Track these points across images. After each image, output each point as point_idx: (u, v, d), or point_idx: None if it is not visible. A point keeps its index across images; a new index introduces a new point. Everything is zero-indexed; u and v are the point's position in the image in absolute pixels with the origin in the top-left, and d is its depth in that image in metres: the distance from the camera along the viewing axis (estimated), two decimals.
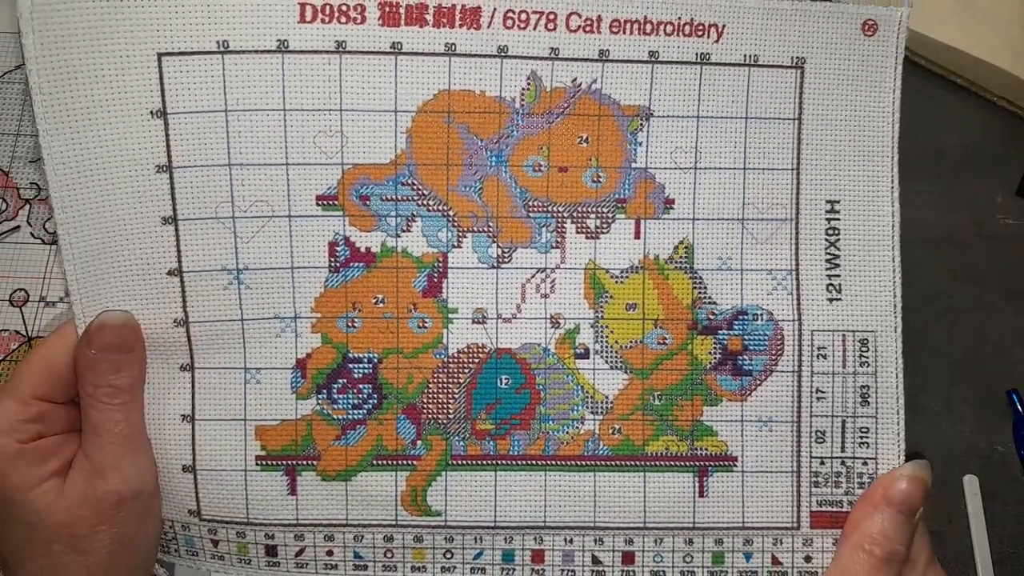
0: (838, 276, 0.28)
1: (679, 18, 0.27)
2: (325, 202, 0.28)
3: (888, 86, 0.28)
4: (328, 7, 0.27)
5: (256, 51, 0.27)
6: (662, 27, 0.27)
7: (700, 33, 0.27)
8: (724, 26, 0.27)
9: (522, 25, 0.27)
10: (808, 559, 0.28)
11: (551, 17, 0.27)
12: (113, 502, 0.25)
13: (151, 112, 0.26)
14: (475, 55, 0.27)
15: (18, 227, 0.33)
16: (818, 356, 0.28)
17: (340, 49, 0.27)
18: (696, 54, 0.27)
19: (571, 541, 0.29)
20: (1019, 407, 0.34)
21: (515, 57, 0.27)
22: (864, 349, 0.28)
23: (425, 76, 0.27)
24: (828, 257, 0.28)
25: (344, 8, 0.27)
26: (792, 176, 0.28)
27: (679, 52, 0.27)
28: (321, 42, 0.27)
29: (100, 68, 0.26)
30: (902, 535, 0.26)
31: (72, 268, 0.26)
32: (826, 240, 0.28)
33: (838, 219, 0.28)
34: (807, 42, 0.28)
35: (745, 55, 0.27)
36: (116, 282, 0.27)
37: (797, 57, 0.28)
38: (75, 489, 0.25)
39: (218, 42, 0.26)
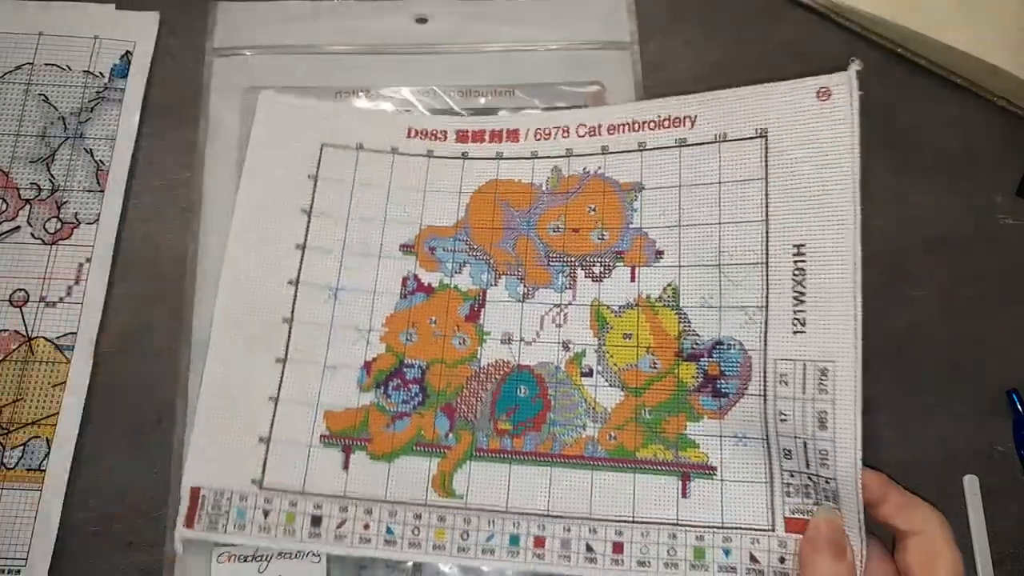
0: (803, 311, 0.32)
1: (659, 116, 0.37)
2: (405, 248, 0.38)
3: (847, 139, 0.32)
4: (424, 130, 0.40)
5: (378, 151, 0.39)
6: (647, 124, 0.37)
7: (677, 124, 0.37)
8: (696, 116, 0.36)
9: (546, 136, 0.39)
10: (782, 560, 0.31)
11: (565, 129, 0.39)
12: None
13: (308, 175, 0.39)
14: (515, 158, 0.39)
15: (18, 227, 0.34)
16: (780, 382, 0.32)
17: (429, 154, 0.39)
18: (675, 139, 0.37)
19: (568, 530, 0.33)
20: (1019, 407, 0.34)
21: (542, 157, 0.38)
22: (823, 378, 0.31)
23: (481, 171, 0.39)
24: (795, 295, 0.32)
25: (433, 132, 0.40)
26: (762, 227, 0.34)
27: (661, 140, 0.37)
28: (418, 149, 0.39)
29: (288, 146, 0.39)
30: (822, 569, 0.29)
31: (226, 275, 0.37)
32: (793, 279, 0.32)
33: (804, 261, 0.32)
34: (768, 115, 0.34)
35: (716, 134, 0.36)
36: (254, 287, 0.37)
37: (760, 128, 0.34)
38: None
39: (357, 143, 0.39)
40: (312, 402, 0.36)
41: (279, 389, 0.36)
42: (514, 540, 0.33)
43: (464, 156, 0.39)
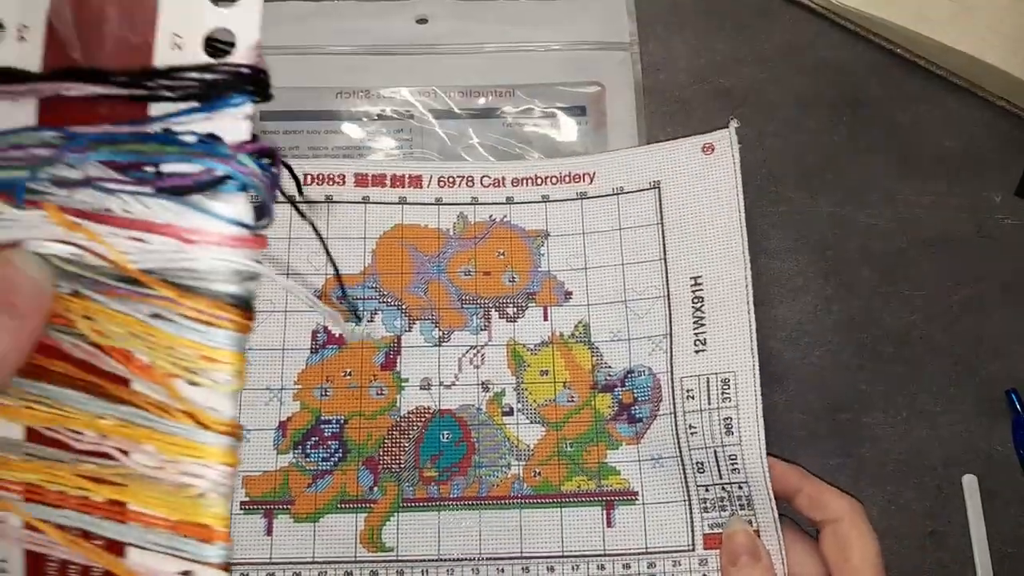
0: (704, 332, 0.35)
1: (560, 172, 0.39)
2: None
3: (730, 185, 0.36)
4: (321, 175, 0.39)
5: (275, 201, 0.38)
6: (549, 179, 0.39)
7: (577, 180, 0.39)
8: (595, 172, 0.39)
9: (450, 184, 0.39)
10: None
11: (470, 179, 0.39)
12: None
13: None
14: (419, 203, 0.39)
15: None
16: (688, 397, 0.34)
17: (328, 200, 0.39)
18: (576, 193, 0.39)
19: (502, 571, 0.33)
20: (1018, 407, 0.35)
21: (447, 204, 0.39)
22: (726, 387, 0.34)
23: (385, 216, 0.38)
24: (695, 319, 0.35)
25: (331, 176, 0.39)
26: (661, 264, 0.36)
27: (564, 193, 0.39)
28: (316, 196, 0.38)
29: None
30: None
31: None
32: (693, 307, 0.35)
33: (702, 289, 0.35)
34: (660, 169, 0.37)
35: (613, 188, 0.38)
36: None
37: (654, 181, 0.38)
38: None
39: None
40: None
41: None
42: None
43: (366, 200, 0.39)
